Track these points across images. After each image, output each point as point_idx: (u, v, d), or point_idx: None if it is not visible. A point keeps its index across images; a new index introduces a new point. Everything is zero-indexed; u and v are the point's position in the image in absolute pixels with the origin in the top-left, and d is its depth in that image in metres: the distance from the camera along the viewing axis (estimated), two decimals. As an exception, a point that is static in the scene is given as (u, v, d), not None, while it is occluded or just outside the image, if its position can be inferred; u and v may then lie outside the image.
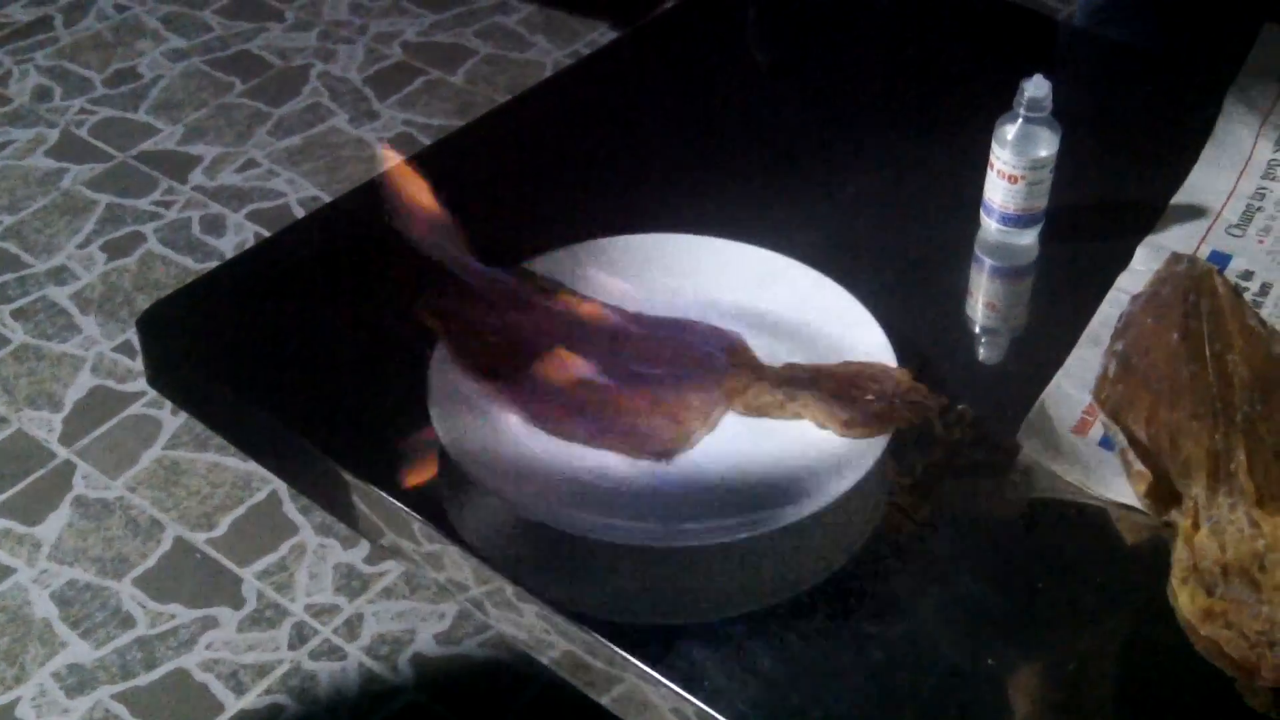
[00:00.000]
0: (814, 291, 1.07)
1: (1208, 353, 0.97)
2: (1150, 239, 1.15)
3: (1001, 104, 1.11)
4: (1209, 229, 1.17)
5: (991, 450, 0.99)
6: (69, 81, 2.74)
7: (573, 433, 0.98)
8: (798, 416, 0.98)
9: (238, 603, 1.84)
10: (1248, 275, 1.12)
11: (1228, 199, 1.20)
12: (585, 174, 1.26)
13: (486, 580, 0.92)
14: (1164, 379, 0.96)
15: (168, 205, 2.46)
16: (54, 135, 2.61)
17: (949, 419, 0.98)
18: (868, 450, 0.94)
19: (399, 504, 0.95)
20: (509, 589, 0.91)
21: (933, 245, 1.18)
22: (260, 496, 1.97)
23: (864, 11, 1.48)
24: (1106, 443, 0.98)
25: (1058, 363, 1.04)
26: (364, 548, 1.89)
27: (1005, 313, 1.16)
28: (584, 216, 1.17)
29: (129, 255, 2.36)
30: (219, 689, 1.75)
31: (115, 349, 2.19)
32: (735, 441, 0.98)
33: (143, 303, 2.24)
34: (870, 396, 0.96)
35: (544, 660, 0.94)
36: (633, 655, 0.86)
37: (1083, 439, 0.99)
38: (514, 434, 0.98)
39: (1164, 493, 0.92)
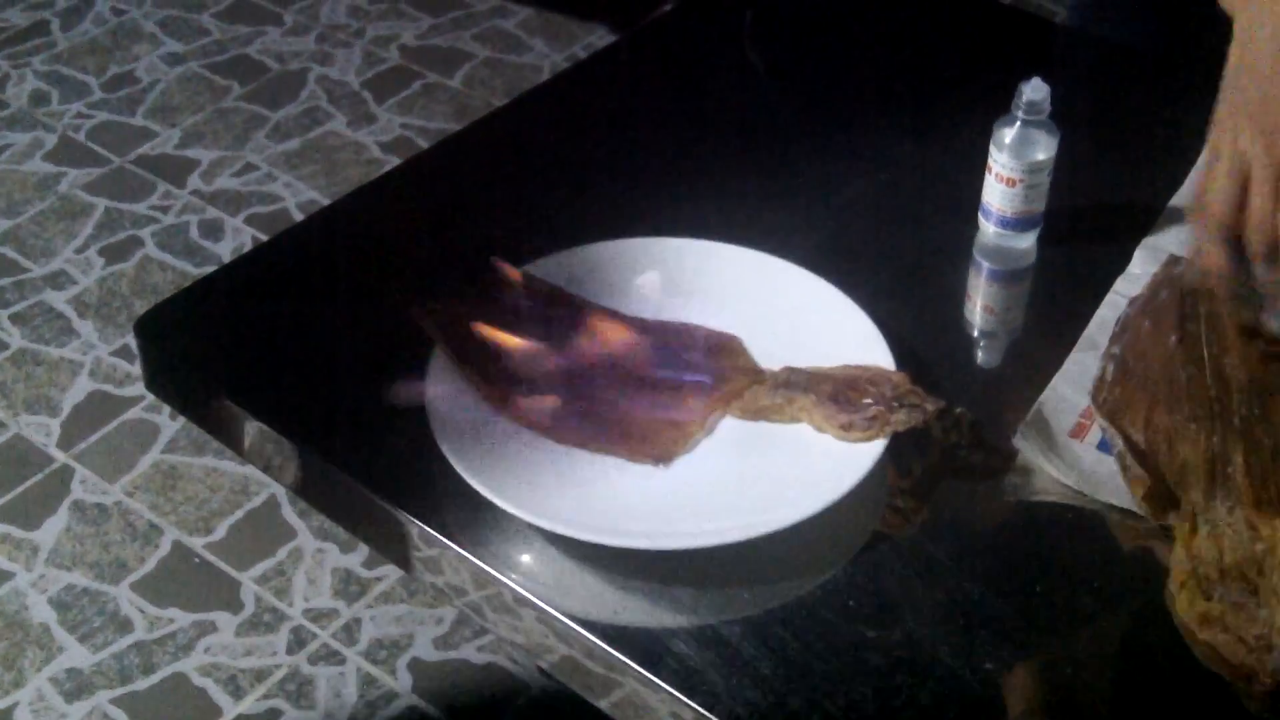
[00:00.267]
0: (812, 295, 1.07)
1: (1205, 356, 0.97)
2: (1148, 241, 1.15)
3: (999, 107, 1.11)
4: (1207, 232, 1.17)
5: (989, 453, 0.99)
6: (66, 86, 2.74)
7: (571, 437, 0.98)
8: (796, 420, 0.98)
9: (236, 607, 1.84)
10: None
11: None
12: (583, 177, 1.26)
13: (485, 584, 0.92)
14: (1161, 383, 0.96)
15: (165, 209, 2.46)
16: (51, 139, 2.61)
17: (947, 422, 0.98)
18: (866, 453, 0.94)
19: (397, 508, 0.95)
20: (507, 593, 0.91)
21: (930, 248, 1.18)
22: (258, 501, 1.97)
23: (861, 15, 1.48)
24: (1104, 446, 0.98)
25: (1055, 366, 1.04)
26: (362, 552, 1.89)
27: (1003, 316, 1.16)
28: (582, 220, 1.17)
29: (127, 260, 2.36)
30: (217, 693, 1.75)
31: (113, 353, 2.19)
32: (733, 445, 0.98)
33: (140, 307, 2.24)
34: (868, 400, 0.96)
35: (542, 664, 0.94)
36: (631, 659, 0.86)
37: (1080, 442, 0.99)
38: (512, 439, 0.97)
39: (1162, 496, 0.92)
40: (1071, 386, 1.02)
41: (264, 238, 2.39)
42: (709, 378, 1.01)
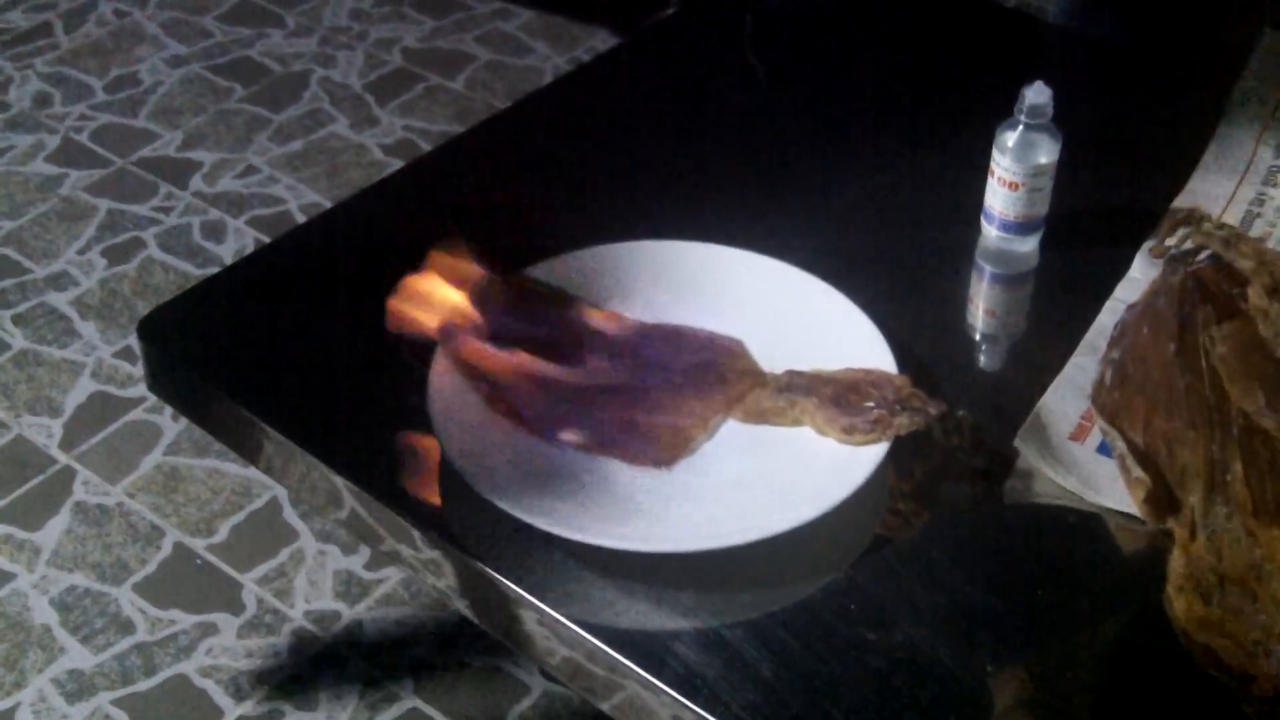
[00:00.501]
0: (814, 298, 1.07)
1: (1204, 365, 0.97)
2: (1150, 245, 1.15)
3: (1002, 110, 1.11)
4: (1208, 236, 1.17)
5: (990, 456, 0.99)
6: (69, 87, 2.74)
7: (573, 439, 0.98)
8: (798, 423, 0.98)
9: (237, 609, 1.84)
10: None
11: (1227, 205, 1.20)
12: (585, 180, 1.26)
13: (486, 586, 0.93)
14: (1160, 389, 0.96)
15: (168, 211, 2.46)
16: (54, 141, 2.61)
17: (948, 426, 0.99)
18: (867, 456, 0.95)
19: (398, 511, 0.95)
20: (508, 595, 0.91)
21: (933, 252, 1.18)
22: (260, 503, 1.97)
23: (863, 18, 1.48)
24: (1104, 449, 0.98)
25: (1056, 370, 1.04)
26: (364, 554, 1.89)
27: (1004, 319, 1.16)
28: (584, 223, 1.17)
29: (129, 261, 2.36)
30: (219, 695, 1.75)
31: (115, 354, 2.19)
32: (736, 448, 0.98)
33: (142, 309, 2.24)
34: (870, 403, 0.96)
35: (544, 666, 0.94)
36: (632, 661, 0.87)
37: (1080, 445, 0.99)
38: (514, 441, 0.98)
39: (1162, 500, 0.92)
40: (1072, 390, 1.03)
41: (266, 239, 2.39)
42: (711, 381, 1.01)
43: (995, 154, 1.11)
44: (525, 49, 2.87)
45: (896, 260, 1.17)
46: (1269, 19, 1.39)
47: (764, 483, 0.96)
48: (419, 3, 2.99)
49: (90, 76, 2.77)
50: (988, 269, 1.16)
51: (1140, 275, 1.12)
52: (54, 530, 1.93)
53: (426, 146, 2.60)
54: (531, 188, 1.25)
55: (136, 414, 2.10)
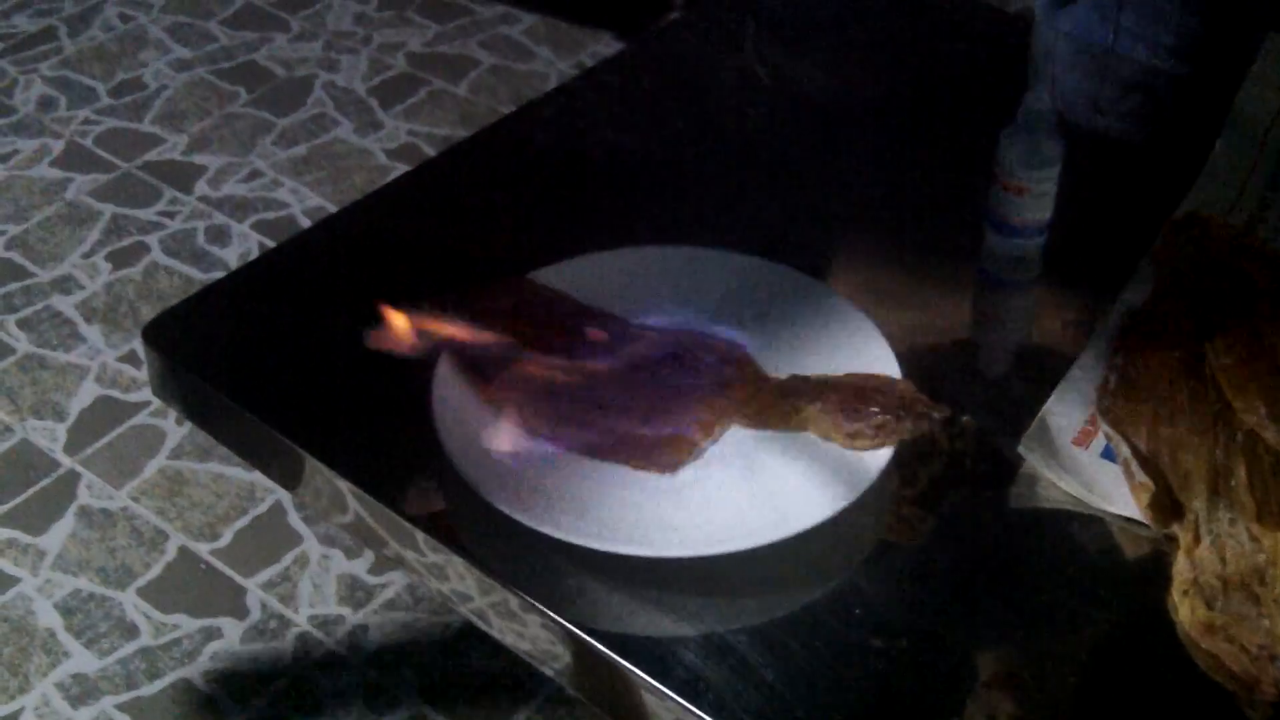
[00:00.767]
0: (818, 303, 1.07)
1: (1208, 370, 0.97)
2: (1154, 250, 1.15)
3: (1006, 115, 1.11)
4: (1212, 241, 1.17)
5: (994, 462, 0.99)
6: (74, 91, 2.75)
7: (577, 444, 0.98)
8: (802, 428, 0.98)
9: (241, 613, 1.84)
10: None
11: (1230, 210, 1.20)
12: (589, 185, 1.26)
13: (490, 591, 0.93)
14: (1164, 394, 0.96)
15: (172, 215, 2.47)
16: (59, 145, 2.62)
17: (952, 431, 0.99)
18: (872, 462, 0.95)
19: (403, 516, 0.95)
20: (513, 600, 0.91)
21: (937, 257, 1.18)
22: (264, 507, 1.97)
23: (867, 23, 1.48)
24: (1108, 454, 0.98)
25: (1060, 375, 1.04)
26: (368, 559, 1.90)
27: (1008, 325, 1.16)
28: (588, 228, 1.17)
29: (133, 265, 2.36)
30: (222, 699, 1.75)
31: (120, 359, 2.19)
32: (740, 454, 0.98)
33: (147, 313, 2.24)
34: (874, 409, 0.96)
35: (547, 672, 0.94)
36: (637, 667, 0.87)
37: (1084, 450, 0.99)
38: (518, 446, 0.98)
39: (1166, 505, 0.92)
40: (1076, 395, 1.03)
41: (271, 244, 2.40)
42: (715, 386, 1.01)
43: (999, 159, 1.11)
44: (529, 54, 2.87)
45: (901, 265, 1.17)
46: (1273, 23, 1.39)
47: (768, 488, 0.96)
48: (423, 7, 2.99)
49: (95, 80, 2.78)
50: (991, 274, 1.16)
51: (1144, 280, 1.12)
52: (58, 534, 1.94)
53: (430, 151, 2.60)
54: (535, 192, 1.25)
55: (141, 418, 2.10)
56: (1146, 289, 1.09)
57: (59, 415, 2.10)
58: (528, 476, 0.96)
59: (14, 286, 2.32)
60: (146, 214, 2.47)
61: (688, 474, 0.97)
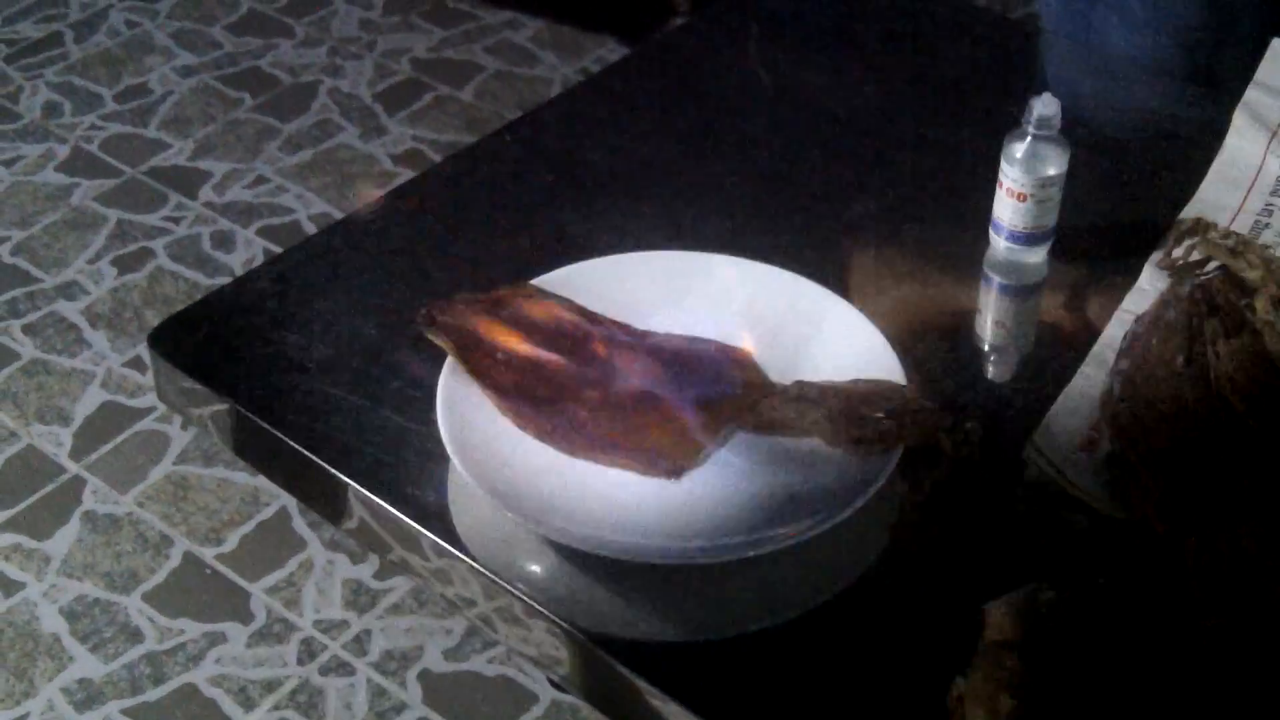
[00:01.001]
0: (823, 309, 1.07)
1: (1213, 377, 0.97)
2: (1157, 257, 1.15)
3: (1010, 121, 1.11)
4: (1217, 246, 1.17)
5: (999, 467, 0.99)
6: (79, 97, 2.75)
7: (582, 449, 0.98)
8: (807, 434, 0.98)
9: (246, 618, 1.84)
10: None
11: (1235, 215, 1.20)
12: (594, 190, 1.26)
13: (495, 596, 0.93)
14: (1168, 401, 0.96)
15: (177, 221, 2.47)
16: (64, 151, 2.62)
17: (957, 436, 0.99)
18: (877, 467, 0.95)
19: (408, 519, 0.95)
20: (518, 605, 0.91)
21: (941, 263, 1.18)
22: (269, 512, 1.97)
23: (871, 29, 1.49)
24: (1113, 459, 0.98)
25: (1065, 380, 1.04)
26: (372, 563, 1.90)
27: (1013, 330, 1.16)
28: (593, 233, 1.17)
29: (139, 271, 2.37)
30: (227, 704, 1.75)
31: (125, 364, 2.20)
32: (745, 459, 0.98)
33: (152, 318, 2.25)
34: (879, 414, 0.96)
35: (552, 677, 0.94)
36: (641, 672, 0.87)
37: (1089, 455, 0.99)
38: (523, 451, 0.98)
39: (1169, 509, 0.92)
40: (1081, 400, 1.03)
41: (276, 249, 2.40)
42: (720, 391, 1.01)
43: (1004, 165, 1.11)
44: (534, 59, 2.88)
45: (905, 271, 1.17)
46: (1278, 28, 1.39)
47: (773, 494, 0.96)
48: (428, 13, 2.99)
49: (100, 86, 2.78)
50: (996, 280, 1.16)
51: (1148, 286, 1.12)
52: (63, 539, 1.94)
53: (435, 156, 2.61)
54: (540, 198, 1.25)
55: (146, 423, 2.10)
56: (1151, 294, 1.09)
57: (64, 420, 2.11)
58: (533, 481, 0.96)
59: (19, 292, 2.32)
60: (152, 219, 2.47)
61: (693, 479, 0.97)
